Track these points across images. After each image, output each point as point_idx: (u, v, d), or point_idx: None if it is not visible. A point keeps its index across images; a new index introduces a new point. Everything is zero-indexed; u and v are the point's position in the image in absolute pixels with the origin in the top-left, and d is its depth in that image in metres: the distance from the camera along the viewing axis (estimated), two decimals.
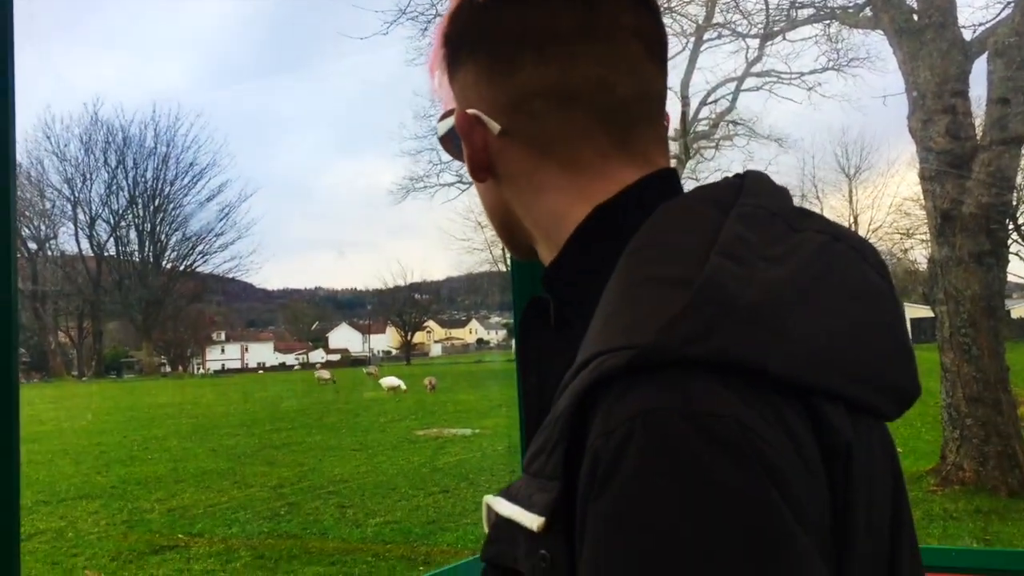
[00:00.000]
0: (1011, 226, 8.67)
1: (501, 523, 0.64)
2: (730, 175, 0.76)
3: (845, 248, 0.67)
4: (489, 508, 0.68)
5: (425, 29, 14.48)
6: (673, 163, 0.78)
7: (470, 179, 0.81)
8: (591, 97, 0.75)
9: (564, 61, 0.75)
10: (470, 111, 0.78)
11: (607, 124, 0.75)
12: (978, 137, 8.70)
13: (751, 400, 0.55)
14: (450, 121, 0.82)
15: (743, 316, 0.57)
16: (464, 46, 0.79)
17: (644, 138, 0.77)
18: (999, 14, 9.08)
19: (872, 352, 0.64)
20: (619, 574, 0.51)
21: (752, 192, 0.70)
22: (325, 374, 28.47)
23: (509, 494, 0.64)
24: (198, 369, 43.43)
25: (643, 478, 0.52)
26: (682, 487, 0.51)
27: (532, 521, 0.58)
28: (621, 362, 0.56)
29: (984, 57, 8.66)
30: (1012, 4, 8.68)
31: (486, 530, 0.71)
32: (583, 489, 0.55)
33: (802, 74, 17.57)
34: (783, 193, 0.73)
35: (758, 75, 18.05)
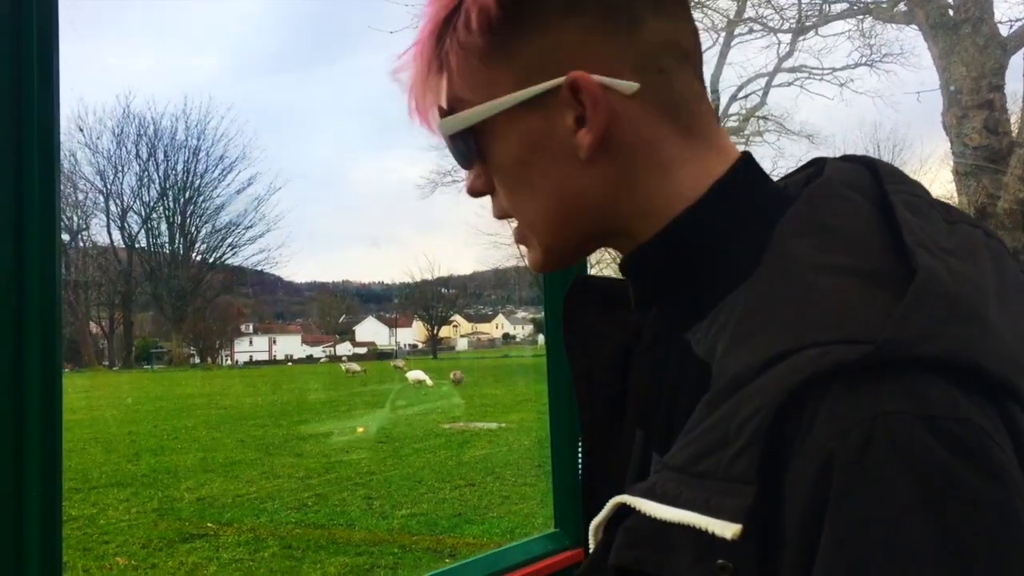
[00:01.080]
0: None
1: (647, 526, 0.59)
2: (837, 159, 0.71)
3: (998, 244, 0.64)
4: (616, 508, 0.63)
5: None
6: None
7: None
8: (696, 57, 0.70)
9: (676, 15, 0.69)
10: (595, 76, 0.65)
11: (705, 90, 0.71)
12: (1014, 134, 8.58)
13: (979, 402, 0.52)
14: (493, 106, 0.69)
15: (964, 312, 0.54)
16: (546, 3, 0.67)
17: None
18: None
19: None
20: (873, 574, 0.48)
21: (898, 179, 0.65)
22: (355, 367, 28.48)
23: (658, 494, 0.59)
24: (226, 360, 43.77)
25: (891, 485, 0.49)
26: (931, 495, 0.49)
27: (723, 528, 0.53)
28: (851, 357, 0.52)
29: (1021, 53, 8.54)
30: None
31: (595, 532, 0.66)
32: (807, 494, 0.51)
33: (834, 69, 17.40)
34: (920, 183, 0.67)
35: (789, 70, 17.92)
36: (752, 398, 0.54)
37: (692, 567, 0.55)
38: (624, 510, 0.62)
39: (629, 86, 0.66)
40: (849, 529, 0.49)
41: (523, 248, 0.76)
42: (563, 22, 0.67)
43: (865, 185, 0.65)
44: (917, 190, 0.65)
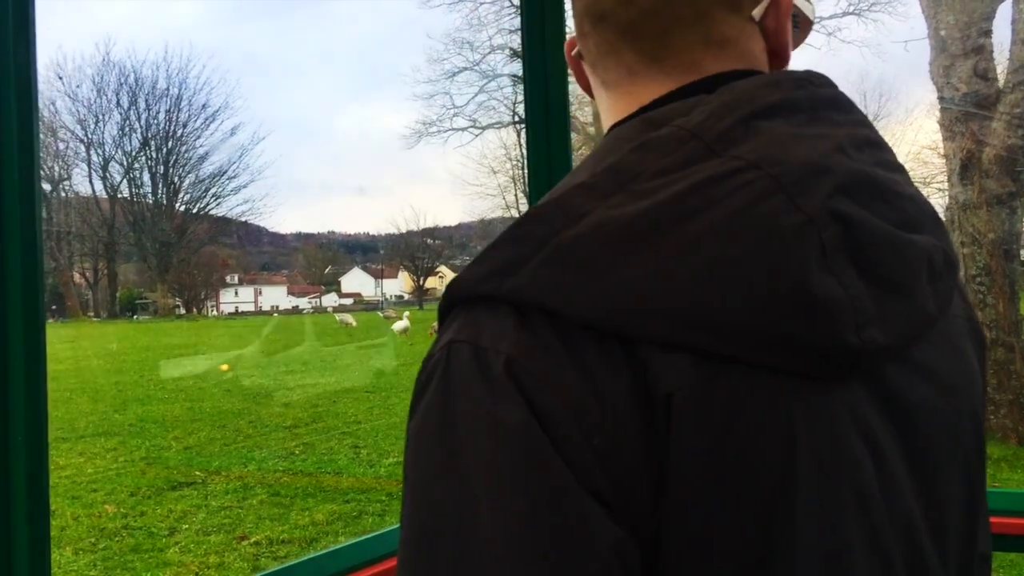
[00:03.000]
0: None
1: None
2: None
3: (758, 178, 0.58)
4: None
5: None
6: None
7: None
8: (614, 12, 0.71)
9: None
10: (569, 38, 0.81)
11: (634, 38, 0.71)
12: (1001, 83, 8.56)
13: (549, 340, 0.56)
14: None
15: (555, 255, 0.57)
16: None
17: (685, 43, 0.69)
18: None
19: (751, 300, 0.55)
20: (409, 470, 0.58)
21: (704, 102, 0.64)
22: (349, 318, 28.36)
23: None
24: (212, 311, 43.73)
25: (433, 402, 0.58)
26: (455, 412, 0.56)
27: None
28: (454, 291, 0.62)
29: (1008, 2, 8.49)
30: None
31: None
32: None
33: (821, 19, 17.25)
34: (755, 95, 0.63)
35: None
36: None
37: None
38: None
39: (578, 51, 0.79)
40: (409, 435, 0.59)
41: None
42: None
43: (673, 116, 0.64)
44: (702, 116, 0.62)
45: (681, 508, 0.54)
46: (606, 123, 0.76)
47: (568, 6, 1.83)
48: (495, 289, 0.58)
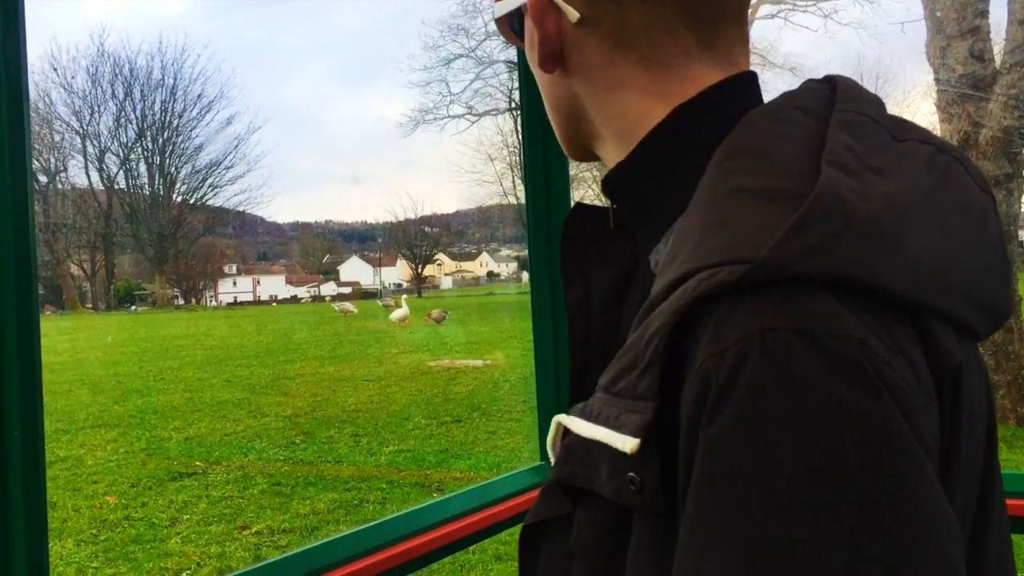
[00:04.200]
0: None
1: (577, 443, 0.62)
2: (814, 79, 0.71)
3: (950, 160, 0.63)
4: (561, 428, 0.66)
5: None
6: None
7: (539, 66, 0.75)
8: None
9: None
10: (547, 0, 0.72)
11: (693, 20, 0.70)
12: (997, 64, 8.55)
13: (870, 320, 0.51)
14: (512, 1, 0.76)
15: (863, 231, 0.53)
16: None
17: (729, 37, 0.72)
18: None
19: (979, 270, 0.61)
20: (738, 495, 0.48)
21: (849, 98, 0.65)
22: (349, 306, 28.25)
23: (587, 413, 0.61)
24: (211, 302, 43.74)
25: (762, 401, 0.49)
26: (804, 411, 0.48)
27: (624, 443, 0.55)
28: (731, 278, 0.52)
29: None
30: None
31: (551, 451, 0.69)
32: (690, 411, 0.52)
33: (817, 1, 17.22)
34: (878, 101, 0.67)
35: (773, 2, 17.71)
36: (655, 320, 0.55)
37: (609, 480, 0.58)
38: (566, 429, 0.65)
39: (572, 13, 0.71)
40: (717, 448, 0.50)
41: None
42: None
43: (818, 107, 0.64)
44: (863, 107, 0.64)
45: (952, 488, 0.55)
46: (642, 100, 0.71)
47: None
48: (809, 269, 0.51)
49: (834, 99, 0.65)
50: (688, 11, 0.70)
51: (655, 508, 0.55)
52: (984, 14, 8.50)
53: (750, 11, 0.80)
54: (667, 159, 0.70)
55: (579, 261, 0.84)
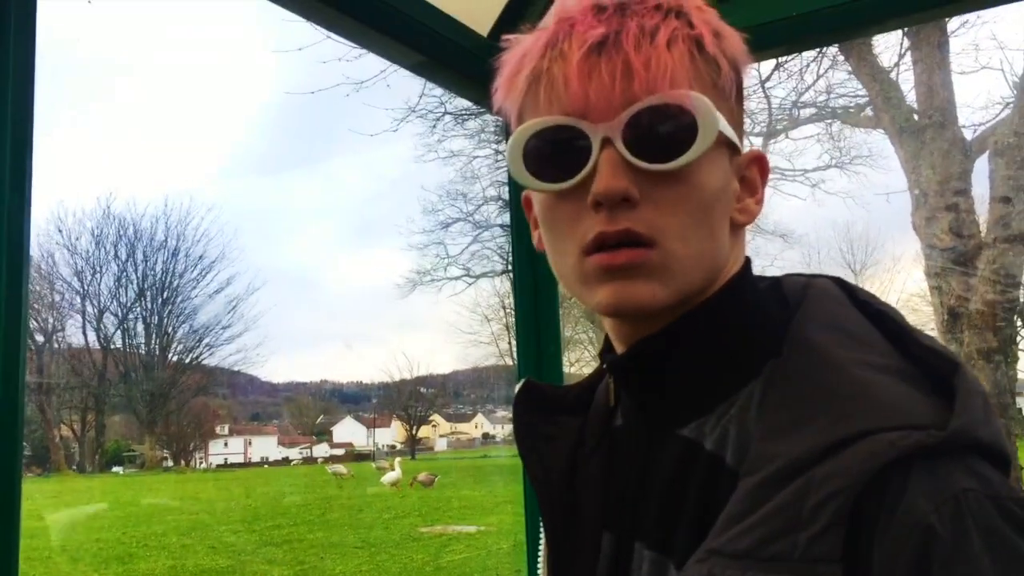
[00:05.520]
0: (1019, 323, 8.62)
1: None
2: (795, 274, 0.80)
3: None
4: None
5: (433, 126, 14.66)
6: None
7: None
8: None
9: None
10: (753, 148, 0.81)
11: None
12: (982, 235, 8.74)
13: (1003, 478, 0.61)
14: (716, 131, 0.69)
15: (991, 407, 0.63)
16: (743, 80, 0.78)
17: None
18: (998, 115, 9.25)
19: None
20: None
21: (865, 292, 0.75)
22: (342, 469, 27.77)
23: None
24: (200, 463, 42.90)
25: (979, 557, 0.55)
26: (1005, 568, 0.55)
27: None
28: (932, 441, 0.58)
29: (985, 156, 8.77)
30: (1011, 105, 8.84)
31: None
32: (912, 561, 0.56)
33: (805, 171, 17.74)
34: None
35: None
36: (826, 481, 0.58)
37: None
38: None
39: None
40: None
41: (638, 277, 0.68)
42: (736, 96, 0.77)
43: (843, 296, 0.74)
44: (881, 302, 0.74)
45: None
46: (722, 258, 0.74)
47: None
48: (981, 438, 0.61)
49: (847, 291, 0.74)
50: None
51: None
52: (963, 192, 8.77)
53: None
54: (734, 318, 0.74)
55: (532, 438, 0.85)
